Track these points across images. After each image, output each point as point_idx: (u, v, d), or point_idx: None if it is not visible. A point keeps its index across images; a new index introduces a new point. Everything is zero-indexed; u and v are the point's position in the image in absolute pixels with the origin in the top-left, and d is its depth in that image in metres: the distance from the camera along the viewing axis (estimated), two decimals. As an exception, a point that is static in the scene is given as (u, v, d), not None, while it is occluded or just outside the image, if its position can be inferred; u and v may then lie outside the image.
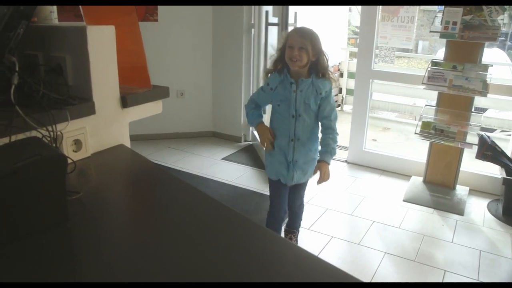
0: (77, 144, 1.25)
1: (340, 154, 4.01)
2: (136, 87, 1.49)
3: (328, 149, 2.05)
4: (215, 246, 0.87)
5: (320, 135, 2.11)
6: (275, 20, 3.62)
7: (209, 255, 0.84)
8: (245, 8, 4.13)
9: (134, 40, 1.40)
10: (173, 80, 4.57)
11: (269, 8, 3.83)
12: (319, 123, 2.09)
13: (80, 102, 1.25)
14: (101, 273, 0.77)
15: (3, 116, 1.06)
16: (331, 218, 2.96)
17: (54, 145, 1.11)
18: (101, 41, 1.26)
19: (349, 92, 6.02)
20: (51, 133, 1.10)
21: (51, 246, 0.83)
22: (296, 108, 1.99)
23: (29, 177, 0.81)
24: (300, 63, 1.89)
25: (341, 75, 6.35)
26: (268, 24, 3.84)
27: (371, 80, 3.62)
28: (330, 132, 2.05)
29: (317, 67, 1.95)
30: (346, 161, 3.92)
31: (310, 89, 1.97)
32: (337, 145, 2.07)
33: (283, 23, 3.39)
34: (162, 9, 4.25)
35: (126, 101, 1.38)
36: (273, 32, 3.83)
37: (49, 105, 1.15)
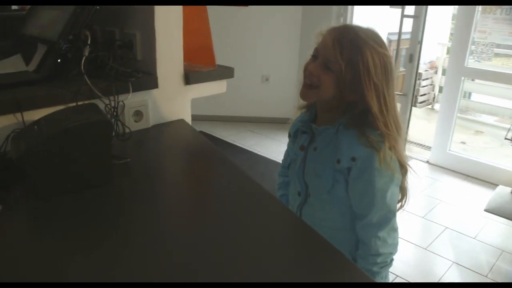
0: (139, 114, 1.35)
1: (423, 153, 3.80)
2: (201, 65, 1.56)
3: None
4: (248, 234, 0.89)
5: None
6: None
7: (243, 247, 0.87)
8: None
9: (201, 20, 1.46)
10: (259, 65, 4.65)
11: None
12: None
13: (144, 76, 1.34)
14: (130, 232, 0.84)
15: (75, 84, 1.19)
16: (401, 217, 2.83)
17: (114, 113, 1.21)
18: (168, 20, 1.33)
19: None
20: (112, 102, 1.20)
21: (91, 203, 0.93)
22: (304, 180, 1.15)
23: (78, 137, 0.90)
24: (317, 92, 1.03)
25: (436, 71, 5.97)
26: (404, 16, 3.48)
27: (462, 78, 3.36)
28: (365, 253, 1.08)
29: (357, 113, 1.02)
30: (427, 162, 3.71)
31: (329, 149, 1.07)
32: (385, 266, 1.09)
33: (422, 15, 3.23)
34: (253, -6, 4.32)
35: (188, 78, 1.45)
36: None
37: (116, 77, 1.25)
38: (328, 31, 1.05)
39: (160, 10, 1.31)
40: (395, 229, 1.10)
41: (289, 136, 1.24)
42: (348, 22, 4.09)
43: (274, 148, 4.14)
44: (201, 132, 4.60)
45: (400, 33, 3.49)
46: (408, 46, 3.49)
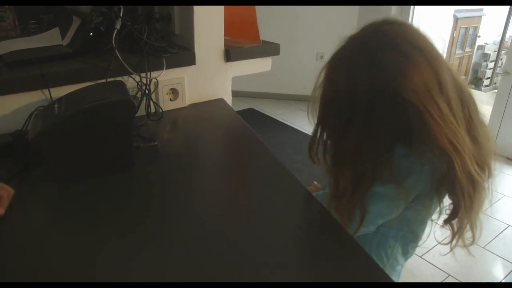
0: (174, 93, 1.27)
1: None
2: (244, 41, 1.44)
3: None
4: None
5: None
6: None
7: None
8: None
9: (245, -8, 1.34)
10: (314, 41, 4.45)
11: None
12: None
13: (180, 51, 1.25)
14: (158, 219, 0.76)
15: (107, 59, 1.11)
16: (458, 212, 2.61)
17: (146, 91, 1.13)
18: (208, -9, 1.22)
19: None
20: (144, 79, 1.12)
21: (112, 189, 0.85)
22: None
23: (96, 119, 0.83)
24: None
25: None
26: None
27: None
28: None
29: None
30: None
31: None
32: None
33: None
34: (310, -35, 4.09)
35: (229, 55, 1.35)
36: None
37: (149, 52, 1.17)
38: None
39: (199, -20, 1.20)
40: None
41: None
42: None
43: (325, 129, 3.97)
44: (250, 109, 4.52)
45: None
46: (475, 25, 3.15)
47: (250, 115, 4.28)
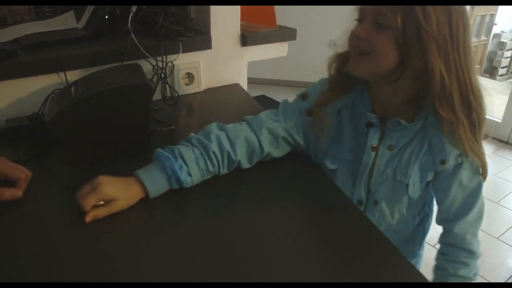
0: (190, 77, 1.26)
1: (499, 131, 3.39)
2: (260, 26, 1.42)
3: None
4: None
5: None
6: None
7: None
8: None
9: (261, -25, 1.32)
10: (328, 28, 4.39)
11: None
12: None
13: (196, 35, 1.23)
14: (166, 210, 0.75)
15: (122, 42, 1.10)
16: (472, 202, 2.58)
17: (162, 75, 1.12)
18: (224, -27, 1.20)
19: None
20: (159, 63, 1.11)
21: (129, 174, 0.85)
22: (370, 185, 0.92)
23: (113, 101, 0.82)
24: (370, 60, 0.77)
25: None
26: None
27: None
28: (462, 256, 0.93)
29: (444, 96, 0.75)
30: (506, 142, 3.34)
31: (414, 148, 0.86)
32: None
33: None
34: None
35: (245, 39, 1.32)
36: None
37: (165, 36, 1.15)
38: None
39: (216, -38, 1.18)
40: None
41: (310, 114, 0.90)
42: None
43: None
44: (262, 96, 4.49)
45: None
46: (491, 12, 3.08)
47: (262, 102, 4.24)
